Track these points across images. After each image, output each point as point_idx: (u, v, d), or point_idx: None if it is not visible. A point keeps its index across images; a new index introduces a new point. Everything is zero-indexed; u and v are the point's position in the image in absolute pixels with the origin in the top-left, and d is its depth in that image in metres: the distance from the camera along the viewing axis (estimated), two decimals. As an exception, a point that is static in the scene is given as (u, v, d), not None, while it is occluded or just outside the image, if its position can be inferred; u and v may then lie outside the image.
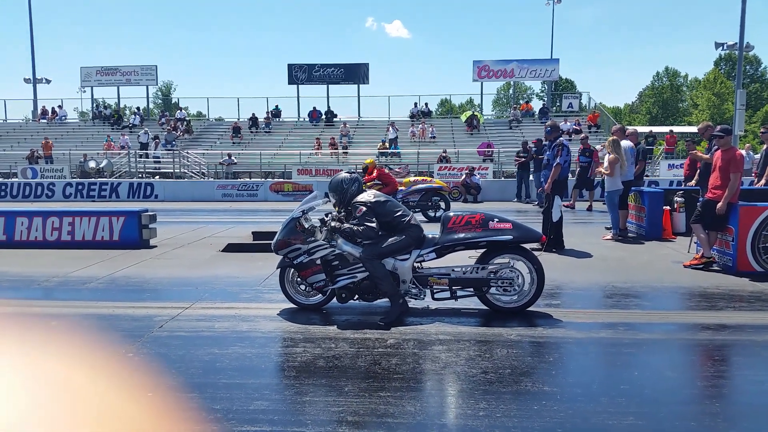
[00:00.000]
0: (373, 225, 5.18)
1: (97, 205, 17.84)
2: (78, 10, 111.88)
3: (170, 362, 4.25)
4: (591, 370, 4.17)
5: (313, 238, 5.39)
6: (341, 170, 14.05)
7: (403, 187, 13.59)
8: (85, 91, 38.32)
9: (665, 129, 31.51)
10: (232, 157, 25.84)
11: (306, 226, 5.41)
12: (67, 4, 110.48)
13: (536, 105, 38.51)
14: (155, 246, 9.42)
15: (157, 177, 25.69)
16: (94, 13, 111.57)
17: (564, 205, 15.00)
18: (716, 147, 7.55)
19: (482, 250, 5.44)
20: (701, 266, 7.32)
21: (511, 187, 19.18)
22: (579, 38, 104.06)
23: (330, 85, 34.73)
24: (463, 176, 19.72)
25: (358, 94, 35.03)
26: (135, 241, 9.30)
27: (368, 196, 5.37)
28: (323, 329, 4.92)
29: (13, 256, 8.77)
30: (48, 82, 39.33)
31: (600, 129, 29.54)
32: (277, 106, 34.87)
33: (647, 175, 19.09)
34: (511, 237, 5.22)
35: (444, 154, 24.22)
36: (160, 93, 63.06)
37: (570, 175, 11.31)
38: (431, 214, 13.32)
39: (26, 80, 38.09)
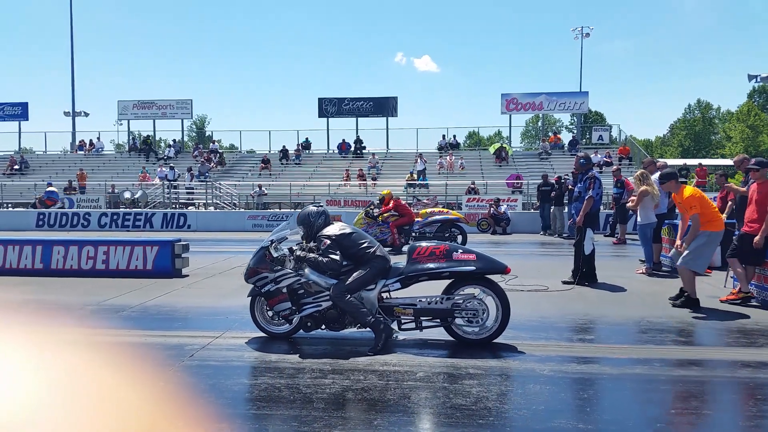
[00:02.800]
0: (337, 257, 5.28)
1: (132, 235, 18.16)
2: (117, 45, 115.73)
3: (201, 392, 4.27)
4: (626, 407, 4.07)
5: (281, 267, 5.45)
6: (370, 201, 14.18)
7: (420, 218, 13.48)
8: (122, 124, 39.40)
9: (696, 162, 30.99)
10: (263, 188, 26.18)
11: (275, 255, 5.47)
12: (106, 40, 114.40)
13: (566, 137, 38.39)
14: (187, 275, 9.53)
15: (191, 207, 26.12)
16: (132, 49, 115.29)
17: (613, 242, 14.80)
18: (752, 180, 7.42)
19: (449, 281, 5.44)
20: (739, 301, 7.13)
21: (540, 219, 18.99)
22: (608, 71, 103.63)
23: (359, 118, 35.13)
24: (489, 208, 19.60)
25: (387, 127, 35.34)
26: (168, 270, 9.43)
27: (334, 229, 5.47)
28: (352, 361, 4.89)
29: (49, 284, 8.95)
30: (86, 115, 40.55)
31: (632, 162, 29.23)
32: (307, 138, 35.33)
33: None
34: (474, 268, 5.25)
35: (472, 186, 24.19)
36: (194, 126, 64.48)
37: (602, 207, 11.16)
38: None
39: (66, 113, 39.33)
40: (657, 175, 9.74)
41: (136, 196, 25.38)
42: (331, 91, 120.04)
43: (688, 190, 7.02)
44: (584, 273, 8.46)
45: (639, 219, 9.52)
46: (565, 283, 8.51)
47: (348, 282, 5.25)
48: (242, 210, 24.35)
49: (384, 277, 5.38)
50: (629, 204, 9.70)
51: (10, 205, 27.25)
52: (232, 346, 5.41)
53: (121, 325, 6.31)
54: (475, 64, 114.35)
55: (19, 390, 0.60)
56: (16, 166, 32.56)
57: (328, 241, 5.33)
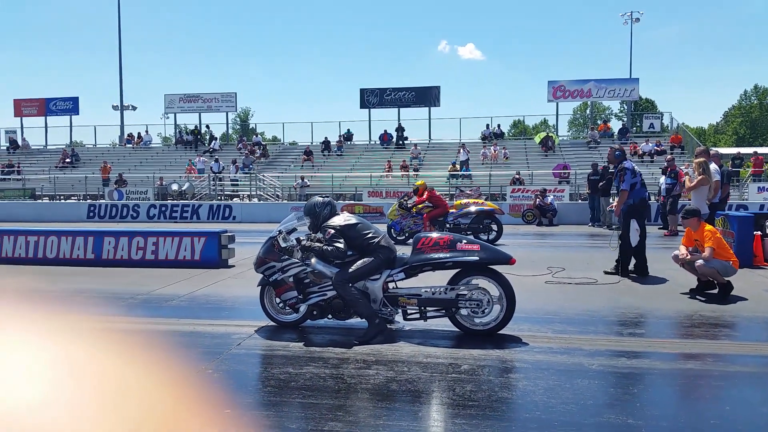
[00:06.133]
0: (341, 245, 5.32)
1: (179, 226, 18.58)
2: (163, 40, 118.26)
3: (247, 380, 4.34)
4: (678, 402, 3.96)
5: (288, 257, 5.52)
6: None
7: (454, 210, 13.29)
8: (168, 117, 40.21)
9: (752, 150, 29.81)
10: (306, 180, 26.43)
11: (283, 245, 5.51)
12: (153, 35, 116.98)
13: (615, 125, 37.50)
14: (233, 266, 9.69)
15: (236, 199, 26.56)
16: (178, 44, 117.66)
17: (664, 234, 14.41)
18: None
19: (454, 271, 5.40)
20: (798, 295, 6.85)
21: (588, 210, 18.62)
22: (659, 56, 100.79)
23: (401, 109, 35.02)
24: (534, 199, 19.29)
25: (429, 117, 35.17)
26: (215, 260, 9.60)
27: (339, 219, 5.51)
28: (395, 351, 4.89)
29: (100, 274, 9.22)
30: (134, 108, 41.58)
31: (684, 151, 28.37)
32: (348, 129, 35.46)
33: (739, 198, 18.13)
34: (477, 258, 5.21)
35: (517, 177, 23.87)
36: (238, 119, 65.47)
37: (651, 197, 10.88)
38: (483, 237, 12.45)
39: (114, 107, 40.35)
40: (713, 165, 9.46)
41: (183, 188, 25.92)
42: (373, 81, 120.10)
43: (708, 227, 7.19)
44: (635, 265, 8.28)
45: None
46: (607, 273, 8.36)
47: (351, 270, 5.30)
48: (285, 201, 24.63)
49: (389, 267, 5.41)
50: (687, 185, 9.37)
51: (62, 197, 28.19)
52: (278, 335, 5.47)
53: (171, 314, 6.46)
54: (521, 52, 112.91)
55: (77, 376, 0.60)
56: (68, 159, 33.63)
57: (333, 231, 5.40)
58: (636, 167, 8.51)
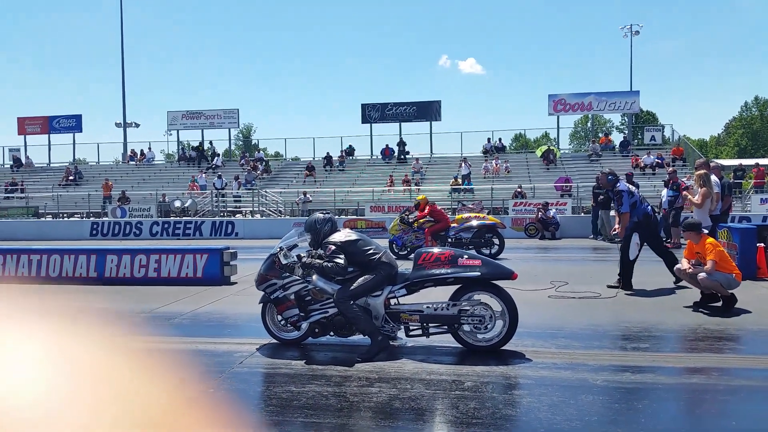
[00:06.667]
0: (341, 262, 5.29)
1: (182, 243, 18.58)
2: (166, 57, 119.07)
3: (249, 398, 4.32)
4: (683, 418, 3.94)
5: (289, 274, 5.50)
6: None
7: (455, 224, 13.23)
8: (171, 134, 40.28)
9: (753, 162, 29.78)
10: (308, 195, 26.46)
11: (284, 262, 5.48)
12: (155, 53, 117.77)
13: (616, 138, 37.53)
14: (236, 282, 9.67)
15: (238, 215, 26.59)
16: (181, 61, 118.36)
17: (668, 246, 14.35)
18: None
19: (456, 287, 5.39)
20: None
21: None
22: (660, 69, 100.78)
23: (402, 123, 35.13)
24: (537, 212, 19.27)
25: (431, 131, 35.25)
26: (217, 277, 9.59)
27: (340, 236, 5.49)
28: (398, 368, 4.86)
29: (103, 292, 9.22)
30: (137, 125, 41.68)
31: (685, 163, 28.38)
32: (350, 145, 35.50)
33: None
34: (479, 273, 5.19)
35: (519, 190, 23.88)
36: (241, 135, 65.64)
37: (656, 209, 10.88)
38: (485, 251, 12.37)
39: (117, 124, 40.49)
40: (714, 177, 9.47)
41: (185, 205, 25.96)
42: (374, 96, 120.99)
43: (709, 239, 7.13)
44: (667, 263, 8.33)
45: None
46: (610, 287, 8.36)
47: (352, 287, 5.27)
48: (288, 217, 24.64)
49: (391, 283, 5.39)
50: (694, 199, 9.33)
51: (65, 215, 28.24)
52: (280, 353, 5.45)
53: (173, 333, 6.45)
54: (522, 66, 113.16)
55: (78, 394, 0.60)
56: (71, 177, 33.72)
57: (333, 247, 5.38)
58: (631, 186, 8.57)
